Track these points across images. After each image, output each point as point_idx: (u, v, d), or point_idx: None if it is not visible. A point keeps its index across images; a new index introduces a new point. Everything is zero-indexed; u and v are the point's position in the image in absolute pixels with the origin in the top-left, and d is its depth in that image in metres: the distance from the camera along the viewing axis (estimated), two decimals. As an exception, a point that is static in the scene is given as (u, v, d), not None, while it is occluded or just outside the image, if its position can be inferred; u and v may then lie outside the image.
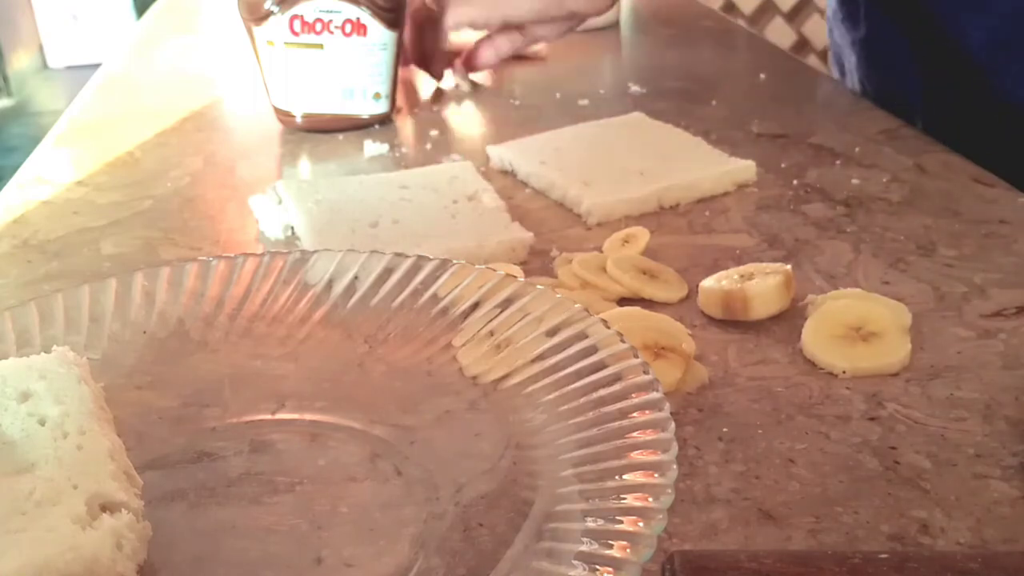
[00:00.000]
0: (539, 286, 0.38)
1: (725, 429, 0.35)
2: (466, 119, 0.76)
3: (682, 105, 0.72)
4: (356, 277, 0.41)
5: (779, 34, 2.10)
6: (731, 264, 0.46)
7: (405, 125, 0.73)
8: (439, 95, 0.80)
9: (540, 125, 0.70)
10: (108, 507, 0.28)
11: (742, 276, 0.43)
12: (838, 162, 0.60)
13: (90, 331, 0.39)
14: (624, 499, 0.27)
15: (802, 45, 2.10)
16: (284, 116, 0.71)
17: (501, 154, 0.62)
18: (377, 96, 0.70)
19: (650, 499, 0.27)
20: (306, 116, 0.70)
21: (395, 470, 0.33)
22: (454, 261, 0.40)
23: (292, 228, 0.53)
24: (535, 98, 0.77)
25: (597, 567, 0.25)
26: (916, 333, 0.40)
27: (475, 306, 0.38)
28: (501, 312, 0.38)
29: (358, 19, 0.67)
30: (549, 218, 0.55)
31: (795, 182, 0.57)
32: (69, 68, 4.24)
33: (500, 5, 0.76)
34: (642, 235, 0.49)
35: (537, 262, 0.49)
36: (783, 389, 0.38)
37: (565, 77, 0.84)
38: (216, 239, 0.55)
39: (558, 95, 0.77)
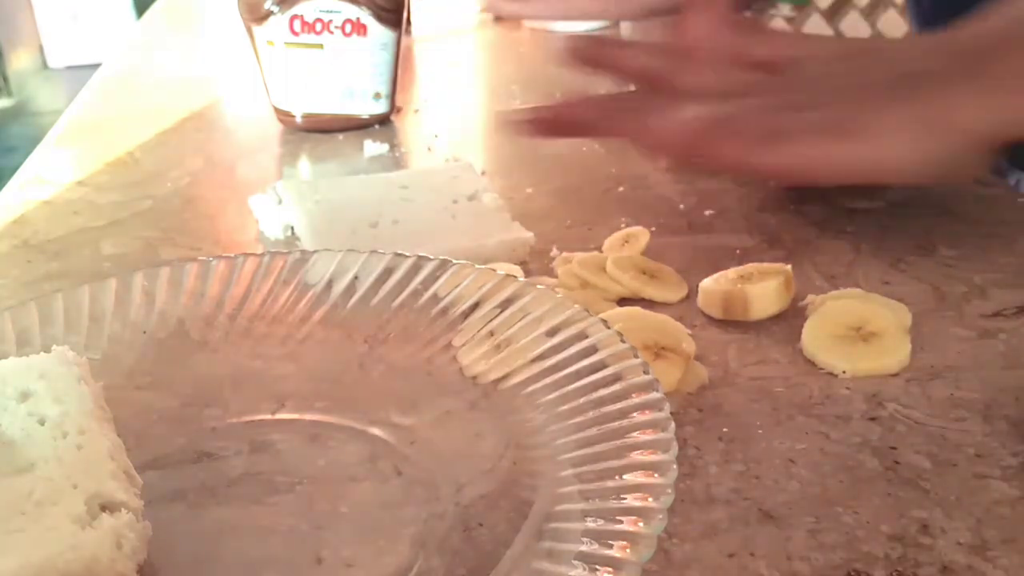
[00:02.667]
0: (539, 286, 0.38)
1: (725, 429, 0.35)
2: (466, 119, 0.76)
3: (682, 105, 0.72)
4: (356, 277, 0.41)
5: (779, 34, 2.10)
6: (731, 264, 0.46)
7: (405, 125, 0.73)
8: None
9: (540, 125, 0.70)
10: (108, 507, 0.28)
11: (742, 276, 0.43)
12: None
13: (90, 331, 0.39)
14: (624, 499, 0.27)
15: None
16: (284, 116, 0.71)
17: None
18: (377, 96, 0.70)
19: (650, 499, 0.27)
20: (306, 116, 0.70)
21: (395, 470, 0.33)
22: (454, 261, 0.40)
23: (292, 228, 0.53)
24: (535, 98, 0.77)
25: (597, 567, 0.25)
26: (916, 333, 0.40)
27: (475, 306, 0.38)
28: (501, 312, 0.38)
29: (358, 19, 0.67)
30: (549, 218, 0.55)
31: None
32: (69, 68, 4.24)
33: None
34: (642, 235, 0.49)
35: (537, 262, 0.49)
36: (783, 389, 0.38)
37: (565, 77, 0.84)
38: (216, 239, 0.55)
39: (558, 95, 0.77)
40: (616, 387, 0.32)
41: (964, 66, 0.43)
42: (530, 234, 0.49)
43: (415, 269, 0.40)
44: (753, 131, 0.43)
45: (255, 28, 0.68)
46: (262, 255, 0.42)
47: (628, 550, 0.25)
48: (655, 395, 0.31)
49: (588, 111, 0.47)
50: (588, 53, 0.52)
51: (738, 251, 0.49)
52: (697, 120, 0.43)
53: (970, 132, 0.42)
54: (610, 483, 0.28)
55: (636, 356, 0.33)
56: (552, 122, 0.47)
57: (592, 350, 0.34)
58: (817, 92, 0.46)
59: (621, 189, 0.58)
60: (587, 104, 0.48)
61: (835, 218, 0.52)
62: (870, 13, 2.06)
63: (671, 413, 0.30)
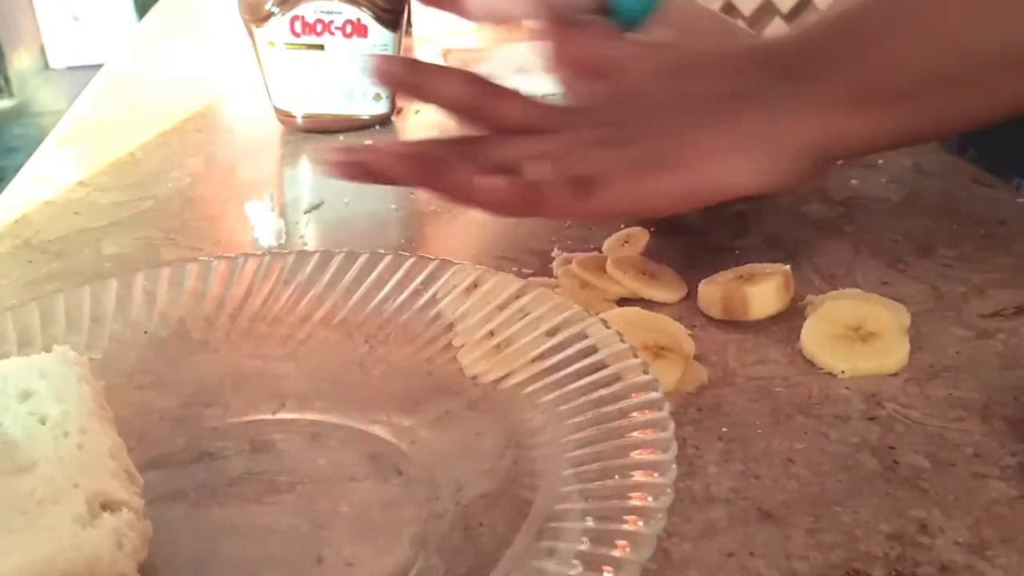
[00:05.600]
0: (539, 286, 0.38)
1: (724, 429, 0.36)
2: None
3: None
4: (356, 277, 0.41)
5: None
6: (730, 264, 0.46)
7: (405, 126, 0.73)
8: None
9: (540, 126, 0.70)
10: (109, 506, 0.28)
11: (741, 276, 0.43)
12: (838, 162, 0.60)
13: (91, 331, 0.39)
14: (624, 498, 0.27)
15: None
16: (285, 117, 0.71)
17: None
18: (378, 97, 0.70)
19: (650, 498, 0.27)
20: (307, 117, 0.70)
21: (395, 470, 0.33)
22: (454, 261, 0.40)
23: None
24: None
25: (597, 566, 0.25)
26: (915, 333, 0.40)
27: (475, 306, 0.38)
28: (501, 312, 0.38)
29: (358, 20, 0.67)
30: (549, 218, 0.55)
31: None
32: (70, 68, 4.24)
33: None
34: (642, 235, 0.49)
35: (537, 262, 0.49)
36: (782, 389, 0.38)
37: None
38: (217, 239, 0.55)
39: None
40: (616, 387, 0.32)
41: (786, 81, 0.44)
42: None
43: (416, 269, 0.40)
44: (569, 181, 0.41)
45: (256, 29, 0.68)
46: (262, 255, 0.43)
47: (628, 549, 0.25)
48: (655, 395, 0.31)
49: (401, 163, 0.42)
50: (399, 78, 0.48)
51: (737, 251, 0.49)
52: (511, 184, 0.40)
53: (797, 147, 0.42)
54: (610, 482, 0.28)
55: (636, 356, 0.33)
56: (363, 167, 0.42)
57: (592, 350, 0.34)
58: (632, 119, 0.44)
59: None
60: (402, 154, 0.42)
61: (834, 218, 0.52)
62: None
63: (670, 413, 0.30)
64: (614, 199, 0.41)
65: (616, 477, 0.28)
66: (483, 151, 0.44)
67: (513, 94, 0.46)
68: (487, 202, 0.41)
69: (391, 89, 0.52)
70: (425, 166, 0.42)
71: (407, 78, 0.47)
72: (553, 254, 0.49)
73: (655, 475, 0.28)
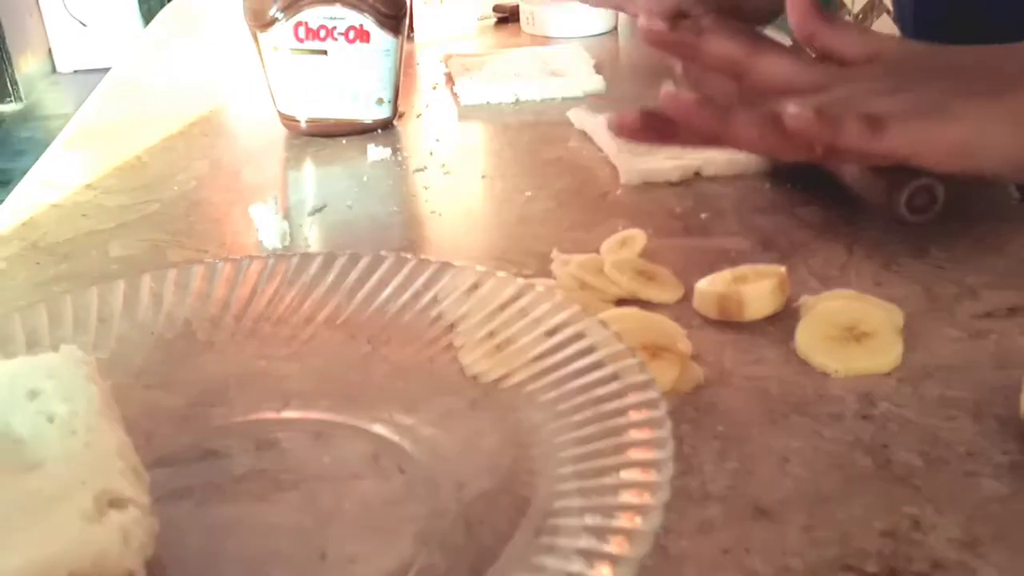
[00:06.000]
0: (539, 287, 0.39)
1: (720, 428, 0.36)
2: (466, 123, 0.76)
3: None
4: (359, 278, 0.42)
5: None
6: (726, 266, 0.46)
7: (407, 130, 0.74)
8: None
9: (540, 127, 0.71)
10: (116, 503, 0.29)
11: (737, 278, 0.44)
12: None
13: (98, 332, 0.40)
14: (622, 496, 0.28)
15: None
16: (289, 121, 0.72)
17: (580, 117, 0.69)
18: (380, 101, 0.71)
19: (647, 496, 0.27)
20: (310, 121, 0.71)
21: (398, 468, 0.34)
22: (455, 263, 0.41)
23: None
24: (535, 101, 0.78)
25: (595, 562, 0.26)
26: (908, 333, 0.41)
27: (476, 307, 0.39)
28: (501, 312, 0.38)
29: (361, 26, 0.68)
30: (548, 220, 0.55)
31: (789, 185, 0.57)
32: (77, 73, 4.25)
33: None
34: (639, 237, 0.49)
35: (536, 264, 0.49)
36: (777, 389, 0.38)
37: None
38: (222, 241, 0.55)
39: (558, 98, 0.78)
40: (614, 386, 0.32)
41: None
42: None
43: (417, 271, 0.41)
44: (857, 117, 0.41)
45: (260, 35, 0.69)
46: (267, 257, 0.43)
47: (626, 546, 0.26)
48: (652, 394, 0.31)
49: (699, 112, 0.42)
50: (666, 37, 0.49)
51: (733, 253, 0.49)
52: (804, 113, 0.40)
53: None
54: (608, 480, 0.29)
55: (633, 356, 0.33)
56: (659, 123, 0.43)
57: (590, 350, 0.34)
58: (906, 78, 0.44)
59: (619, 192, 0.58)
60: (698, 103, 0.42)
61: (829, 220, 0.53)
62: (863, 19, 2.05)
63: (667, 412, 0.30)
64: (903, 137, 0.41)
65: (614, 475, 0.29)
66: (763, 104, 0.43)
67: (782, 52, 0.46)
68: (778, 140, 0.41)
69: (659, 48, 0.51)
70: (717, 113, 0.42)
71: (675, 38, 0.48)
72: (552, 255, 0.49)
73: (652, 473, 0.28)
